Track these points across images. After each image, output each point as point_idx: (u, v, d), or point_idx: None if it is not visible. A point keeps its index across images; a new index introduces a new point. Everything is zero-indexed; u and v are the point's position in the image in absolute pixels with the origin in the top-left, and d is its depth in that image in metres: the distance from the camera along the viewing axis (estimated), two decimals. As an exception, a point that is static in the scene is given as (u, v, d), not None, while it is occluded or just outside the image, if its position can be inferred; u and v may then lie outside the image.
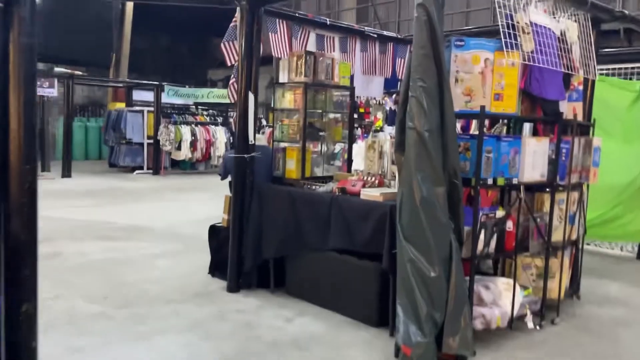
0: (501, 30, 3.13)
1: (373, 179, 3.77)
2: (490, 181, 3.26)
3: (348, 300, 3.75)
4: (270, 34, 4.51)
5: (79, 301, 4.13)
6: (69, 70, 12.16)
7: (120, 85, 15.35)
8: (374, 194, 3.52)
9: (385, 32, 5.47)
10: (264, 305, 4.05)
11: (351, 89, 4.61)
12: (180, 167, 14.38)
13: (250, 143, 4.22)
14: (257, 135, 4.38)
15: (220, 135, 14.20)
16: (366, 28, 5.29)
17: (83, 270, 4.98)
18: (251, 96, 4.19)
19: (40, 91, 11.73)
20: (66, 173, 12.38)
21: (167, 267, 5.21)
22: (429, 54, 2.98)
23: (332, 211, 3.67)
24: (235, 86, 4.34)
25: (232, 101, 4.45)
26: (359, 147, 12.45)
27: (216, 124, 14.62)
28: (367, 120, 15.40)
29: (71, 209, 8.11)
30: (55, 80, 11.79)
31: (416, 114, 2.99)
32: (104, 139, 14.46)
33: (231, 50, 4.39)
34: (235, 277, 4.29)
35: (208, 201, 9.38)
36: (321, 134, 4.43)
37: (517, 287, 3.50)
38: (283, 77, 4.34)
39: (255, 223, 4.28)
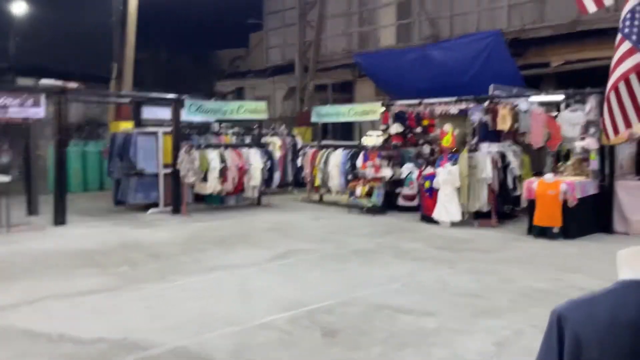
0: None
1: None
2: None
3: None
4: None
5: None
6: (60, 84, 9.09)
7: (127, 101, 12.30)
8: None
9: None
10: None
11: None
12: (206, 201, 11.32)
13: None
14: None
15: (255, 160, 11.15)
16: None
17: None
18: None
19: (22, 112, 8.69)
20: (60, 219, 9.30)
21: None
22: None
23: None
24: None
25: (611, 135, 1.46)
26: (448, 172, 9.39)
27: (249, 146, 11.59)
28: (431, 134, 12.39)
29: (61, 306, 5.02)
30: (43, 97, 8.73)
31: None
32: (108, 170, 11.37)
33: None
34: None
35: (269, 267, 6.32)
36: None
37: None
38: None
39: None
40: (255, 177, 11.13)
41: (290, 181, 13.61)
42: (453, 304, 5.02)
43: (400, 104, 11.69)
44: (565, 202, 7.74)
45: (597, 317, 1.37)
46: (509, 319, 4.62)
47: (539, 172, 10.49)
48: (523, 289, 5.47)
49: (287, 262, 6.63)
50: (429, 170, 10.09)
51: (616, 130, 1.62)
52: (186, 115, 10.80)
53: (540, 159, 10.85)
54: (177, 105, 10.55)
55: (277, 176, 11.76)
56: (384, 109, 11.65)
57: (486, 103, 9.74)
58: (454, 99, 10.67)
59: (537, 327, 4.41)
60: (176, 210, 10.52)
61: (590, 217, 8.14)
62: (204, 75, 28.29)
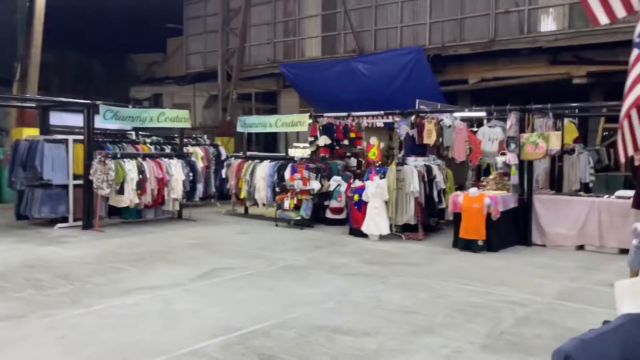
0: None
1: None
2: None
3: None
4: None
5: None
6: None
7: (32, 105, 11.27)
8: None
9: None
10: None
11: None
12: (122, 215, 10.54)
13: None
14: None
15: (177, 172, 10.58)
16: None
17: None
18: None
19: None
20: (-50, 236, 8.26)
21: None
22: None
23: None
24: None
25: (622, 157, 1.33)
26: (377, 186, 9.37)
27: (169, 156, 10.98)
28: (358, 147, 12.43)
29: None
30: None
31: None
32: (9, 181, 10.30)
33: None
34: None
35: (194, 288, 5.90)
36: None
37: None
38: None
39: None
40: (176, 189, 10.55)
41: (214, 193, 13.10)
42: (390, 322, 4.90)
43: (328, 116, 11.63)
44: (489, 216, 7.96)
45: (609, 357, 1.25)
46: (446, 336, 4.56)
47: (460, 186, 10.82)
48: (456, 304, 5.47)
49: (213, 282, 6.23)
50: (358, 183, 10.06)
51: (626, 154, 1.55)
52: (100, 122, 10.04)
53: (462, 173, 11.20)
54: (90, 111, 9.77)
55: (200, 188, 11.24)
56: (311, 120, 11.52)
57: (413, 117, 9.88)
58: (382, 112, 10.76)
59: (475, 344, 4.39)
60: (88, 225, 9.70)
61: (511, 229, 8.44)
62: (117, 80, 26.84)
